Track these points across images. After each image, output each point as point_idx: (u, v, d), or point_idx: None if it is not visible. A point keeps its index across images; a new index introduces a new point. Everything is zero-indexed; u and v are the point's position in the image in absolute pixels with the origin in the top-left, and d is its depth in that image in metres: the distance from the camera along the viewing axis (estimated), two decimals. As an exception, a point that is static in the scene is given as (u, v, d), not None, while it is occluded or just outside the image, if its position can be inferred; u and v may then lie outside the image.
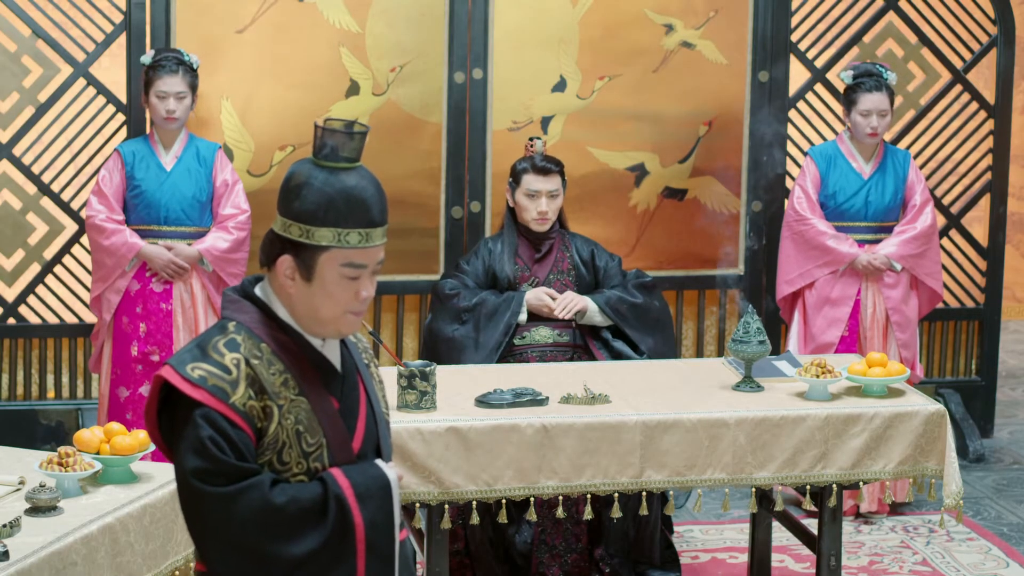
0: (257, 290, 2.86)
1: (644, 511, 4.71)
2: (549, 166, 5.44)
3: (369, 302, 2.84)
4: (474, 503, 4.45)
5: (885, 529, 6.02)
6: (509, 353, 5.36)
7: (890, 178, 6.20)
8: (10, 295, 6.47)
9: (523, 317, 5.38)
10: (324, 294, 2.78)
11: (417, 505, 4.52)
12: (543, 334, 5.40)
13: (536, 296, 5.40)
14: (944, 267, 6.80)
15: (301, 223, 2.75)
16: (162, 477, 3.90)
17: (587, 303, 5.40)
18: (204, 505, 2.70)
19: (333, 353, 2.87)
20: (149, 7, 6.27)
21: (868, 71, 6.10)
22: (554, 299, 5.39)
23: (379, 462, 2.84)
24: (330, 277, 2.77)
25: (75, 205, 6.41)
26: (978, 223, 7.20)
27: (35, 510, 3.60)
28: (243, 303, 2.83)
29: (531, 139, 5.52)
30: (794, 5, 6.80)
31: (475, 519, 4.50)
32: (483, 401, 4.56)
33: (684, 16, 6.64)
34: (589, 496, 4.56)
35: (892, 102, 6.12)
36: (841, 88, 6.48)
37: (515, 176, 5.50)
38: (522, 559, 5.19)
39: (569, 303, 5.38)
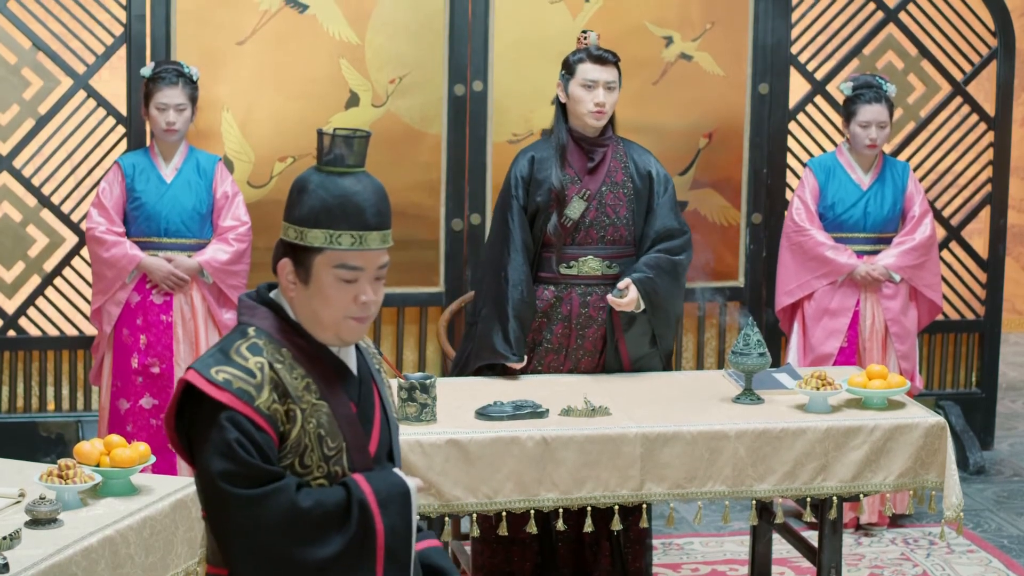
0: (273, 296, 2.92)
1: (644, 523, 4.70)
2: (606, 55, 5.09)
3: (374, 309, 2.89)
4: (474, 516, 4.45)
5: (885, 541, 6.01)
6: (554, 281, 5.11)
7: (889, 189, 6.20)
8: (10, 307, 6.47)
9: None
10: (321, 297, 2.84)
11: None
12: (592, 266, 5.10)
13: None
14: (944, 279, 6.80)
15: (297, 226, 2.82)
16: (162, 489, 3.89)
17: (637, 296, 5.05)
18: (230, 508, 2.72)
19: (349, 358, 2.94)
20: (149, 19, 6.27)
21: (867, 83, 6.12)
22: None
23: (397, 470, 2.89)
24: (326, 280, 2.83)
25: (75, 217, 6.41)
26: (978, 235, 7.20)
27: (35, 522, 3.59)
28: (260, 308, 2.88)
29: (584, 32, 5.18)
30: (794, 17, 6.81)
31: (475, 532, 4.49)
32: (483, 414, 4.56)
33: (682, 28, 6.65)
34: (589, 509, 4.55)
35: (891, 114, 6.13)
36: (841, 100, 6.48)
37: (568, 68, 5.13)
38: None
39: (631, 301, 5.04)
